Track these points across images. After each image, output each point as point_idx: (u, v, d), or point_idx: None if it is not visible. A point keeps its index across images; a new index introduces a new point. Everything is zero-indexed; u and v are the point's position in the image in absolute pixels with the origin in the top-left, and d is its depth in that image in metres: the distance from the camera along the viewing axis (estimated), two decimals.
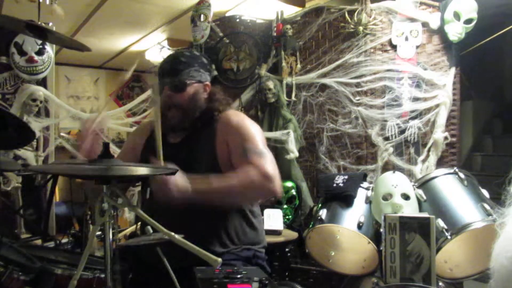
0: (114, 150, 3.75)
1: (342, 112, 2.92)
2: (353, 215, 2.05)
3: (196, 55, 1.60)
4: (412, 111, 2.72)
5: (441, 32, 2.68)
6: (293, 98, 3.06)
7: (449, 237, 1.76)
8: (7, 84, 3.12)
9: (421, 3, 2.76)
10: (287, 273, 2.71)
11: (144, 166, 1.27)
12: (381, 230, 1.74)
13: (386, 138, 2.77)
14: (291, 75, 3.07)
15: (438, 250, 1.73)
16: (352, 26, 2.87)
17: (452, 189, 1.96)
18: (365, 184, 2.22)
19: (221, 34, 3.29)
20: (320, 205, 2.23)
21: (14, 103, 3.02)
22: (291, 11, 3.28)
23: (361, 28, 2.84)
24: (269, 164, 1.43)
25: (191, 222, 1.38)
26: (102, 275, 1.30)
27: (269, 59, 3.16)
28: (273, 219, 2.52)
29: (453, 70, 2.67)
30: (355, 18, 2.86)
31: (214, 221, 1.44)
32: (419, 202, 1.97)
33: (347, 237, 2.12)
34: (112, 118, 3.71)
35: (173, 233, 1.05)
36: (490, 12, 3.17)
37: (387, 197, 1.96)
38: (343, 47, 2.93)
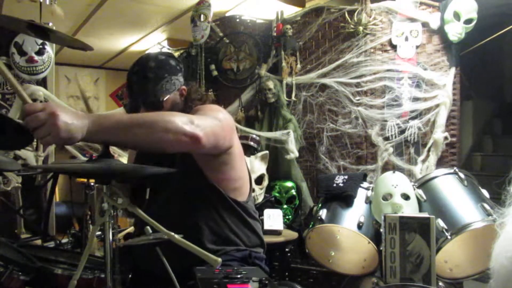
0: (114, 150, 3.75)
1: (342, 112, 2.92)
2: (353, 215, 2.05)
3: (162, 61, 1.43)
4: (412, 111, 2.72)
5: (441, 32, 2.68)
6: (293, 98, 3.06)
7: (449, 237, 1.76)
8: (7, 84, 3.12)
9: (421, 3, 2.76)
10: (287, 273, 2.71)
11: (143, 166, 1.27)
12: (381, 230, 1.74)
13: (386, 138, 2.77)
14: (291, 75, 3.07)
15: (438, 250, 1.73)
16: (352, 26, 2.88)
17: (452, 189, 1.96)
18: (365, 184, 2.22)
19: (221, 34, 3.29)
20: (320, 205, 2.23)
21: (14, 103, 3.02)
22: (291, 11, 3.28)
23: (361, 28, 2.84)
24: (205, 120, 1.22)
25: (182, 221, 1.37)
26: (102, 275, 1.30)
27: (269, 59, 3.16)
28: (273, 219, 2.52)
29: (453, 70, 2.67)
30: (355, 18, 2.86)
31: (207, 221, 1.43)
32: (419, 202, 1.97)
33: (347, 237, 2.12)
34: None
35: (173, 233, 1.05)
36: (490, 12, 3.17)
37: (387, 197, 1.96)
38: (343, 47, 2.93)
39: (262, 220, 2.44)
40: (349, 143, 2.90)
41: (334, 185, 2.21)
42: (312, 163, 3.04)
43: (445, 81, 2.65)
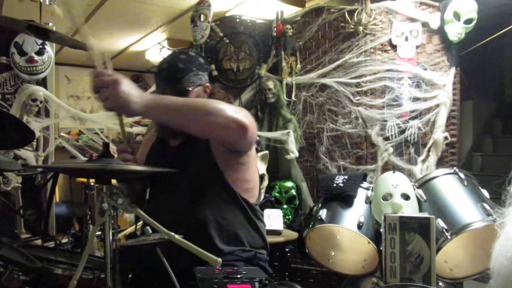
0: (114, 150, 3.75)
1: (342, 112, 2.92)
2: (353, 215, 2.05)
3: (193, 57, 1.54)
4: (412, 111, 2.72)
5: (441, 32, 2.68)
6: (293, 98, 3.06)
7: (449, 237, 1.76)
8: (7, 84, 3.13)
9: (421, 3, 2.76)
10: (287, 273, 2.71)
11: (143, 166, 1.27)
12: (381, 230, 1.74)
13: (386, 138, 2.77)
14: (291, 75, 3.07)
15: (438, 250, 1.73)
16: (352, 26, 2.88)
17: (452, 189, 1.96)
18: (365, 184, 2.22)
19: (221, 34, 3.29)
20: (320, 205, 2.23)
21: (14, 103, 3.01)
22: (291, 11, 3.28)
23: (361, 28, 2.84)
24: (244, 112, 1.28)
25: (193, 221, 1.39)
26: (102, 275, 1.30)
27: (269, 59, 3.16)
28: (273, 219, 2.52)
29: (453, 70, 2.67)
30: (355, 18, 2.86)
31: (218, 218, 1.44)
32: (419, 202, 1.97)
33: (347, 237, 2.12)
34: (112, 118, 3.71)
35: (173, 233, 1.05)
36: (490, 12, 3.17)
37: (387, 197, 1.96)
38: (343, 47, 2.93)
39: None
40: (349, 143, 2.90)
41: (334, 185, 2.21)
42: (312, 163, 3.04)
43: (445, 81, 2.65)
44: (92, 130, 4.24)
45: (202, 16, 3.23)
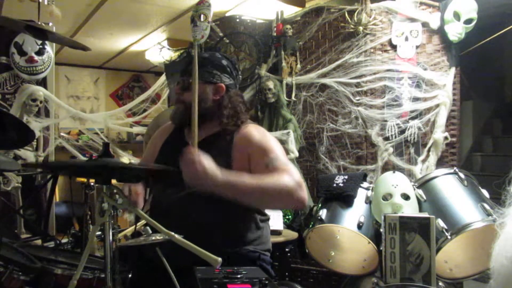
0: (114, 150, 3.75)
1: (342, 112, 2.92)
2: (353, 215, 2.05)
3: (215, 57, 1.58)
4: (412, 111, 2.72)
5: (441, 32, 2.68)
6: (293, 98, 3.06)
7: (449, 237, 1.76)
8: (7, 84, 3.12)
9: (421, 3, 2.76)
10: (287, 273, 2.71)
11: (143, 165, 1.27)
12: (381, 230, 1.74)
13: (386, 138, 2.77)
14: (291, 75, 3.07)
15: (438, 250, 1.73)
16: (352, 26, 2.87)
17: (452, 189, 1.96)
18: (365, 184, 2.22)
19: (221, 34, 3.29)
20: (320, 205, 2.23)
21: (14, 103, 3.01)
22: (291, 11, 3.28)
23: (361, 28, 2.84)
24: (298, 174, 1.41)
25: (200, 221, 1.39)
26: (102, 275, 1.30)
27: (269, 59, 3.16)
28: (273, 219, 2.51)
29: (453, 70, 2.67)
30: (355, 18, 2.86)
31: (222, 221, 1.44)
32: (419, 202, 1.97)
33: (347, 237, 2.12)
34: (112, 118, 3.71)
35: (173, 233, 1.05)
36: (490, 12, 3.17)
37: (387, 197, 1.96)
38: (343, 47, 2.93)
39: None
40: (349, 143, 2.90)
41: (334, 185, 2.21)
42: (312, 163, 3.04)
43: (445, 81, 2.65)
44: (92, 130, 4.25)
45: (202, 16, 3.20)
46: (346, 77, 2.88)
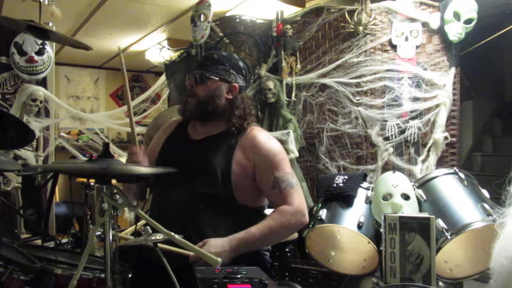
0: (114, 150, 3.75)
1: (342, 112, 2.92)
2: (353, 215, 2.04)
3: (233, 57, 1.61)
4: (412, 111, 2.72)
5: (441, 32, 2.68)
6: (293, 98, 3.06)
7: (449, 237, 1.76)
8: (7, 84, 3.12)
9: (421, 3, 2.76)
10: (287, 273, 2.71)
11: (143, 165, 1.27)
12: (381, 230, 1.74)
13: (386, 138, 2.77)
14: (291, 75, 3.07)
15: (438, 250, 1.73)
16: (352, 26, 2.87)
17: (452, 189, 1.96)
18: (365, 184, 2.22)
19: (221, 34, 3.29)
20: (320, 205, 2.23)
21: (14, 103, 3.01)
22: (291, 11, 3.28)
23: (361, 28, 2.84)
24: (300, 197, 1.52)
25: (200, 223, 1.39)
26: (102, 275, 1.30)
27: (269, 59, 3.15)
28: None
29: (453, 70, 2.67)
30: (355, 18, 2.86)
31: (224, 223, 1.44)
32: (419, 202, 1.97)
33: (347, 237, 2.12)
34: (112, 118, 3.72)
35: (173, 233, 1.05)
36: (490, 12, 3.17)
37: (387, 197, 1.95)
38: (343, 47, 2.92)
39: None
40: (349, 143, 2.90)
41: (334, 185, 2.20)
42: (312, 163, 3.04)
43: (445, 81, 2.65)
44: (92, 130, 4.25)
45: (202, 16, 3.23)
46: (346, 77, 2.88)
